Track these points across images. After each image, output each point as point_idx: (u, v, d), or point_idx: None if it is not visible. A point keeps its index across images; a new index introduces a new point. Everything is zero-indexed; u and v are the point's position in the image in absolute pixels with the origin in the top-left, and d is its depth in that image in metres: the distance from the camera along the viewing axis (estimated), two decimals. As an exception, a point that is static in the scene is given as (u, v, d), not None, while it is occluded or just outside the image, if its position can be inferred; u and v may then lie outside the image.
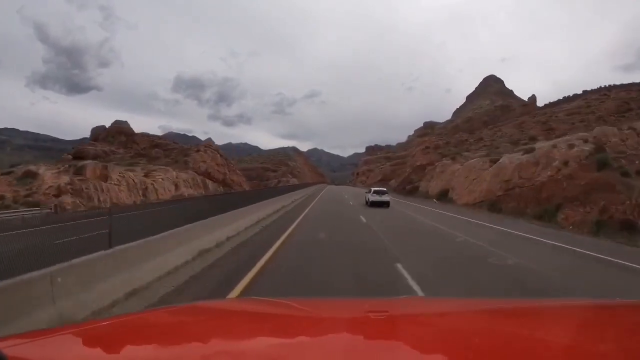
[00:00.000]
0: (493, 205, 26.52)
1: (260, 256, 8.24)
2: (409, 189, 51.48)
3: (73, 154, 59.17)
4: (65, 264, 4.34)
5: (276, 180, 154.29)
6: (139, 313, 1.66)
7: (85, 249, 4.91)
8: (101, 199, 34.91)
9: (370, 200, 27.54)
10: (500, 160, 30.00)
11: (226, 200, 13.69)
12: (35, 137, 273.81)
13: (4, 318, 3.43)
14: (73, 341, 1.02)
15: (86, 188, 34.15)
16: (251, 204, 14.92)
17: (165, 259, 6.54)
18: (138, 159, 61.02)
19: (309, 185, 65.15)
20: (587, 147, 23.16)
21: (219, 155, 67.02)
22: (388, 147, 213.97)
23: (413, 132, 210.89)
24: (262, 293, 5.57)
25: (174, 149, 67.79)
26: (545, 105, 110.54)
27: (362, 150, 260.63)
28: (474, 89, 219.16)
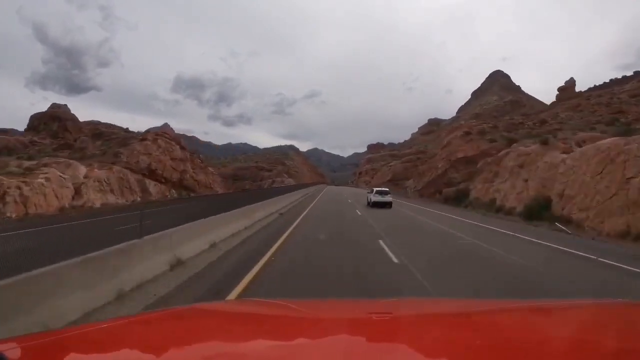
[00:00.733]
0: None
1: None
2: (450, 194, 32.48)
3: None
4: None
5: (270, 180, 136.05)
6: (138, 315, 1.71)
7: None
8: None
9: (372, 200, 25.08)
10: None
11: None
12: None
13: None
14: (73, 343, 1.00)
15: None
16: (206, 217, 9.39)
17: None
18: (62, 151, 42.39)
19: (307, 186, 53.46)
20: None
21: (178, 147, 48.07)
22: (391, 145, 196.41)
23: (417, 130, 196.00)
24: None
25: (116, 138, 48.83)
26: (589, 89, 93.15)
27: (363, 150, 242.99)
28: (479, 85, 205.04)
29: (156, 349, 0.97)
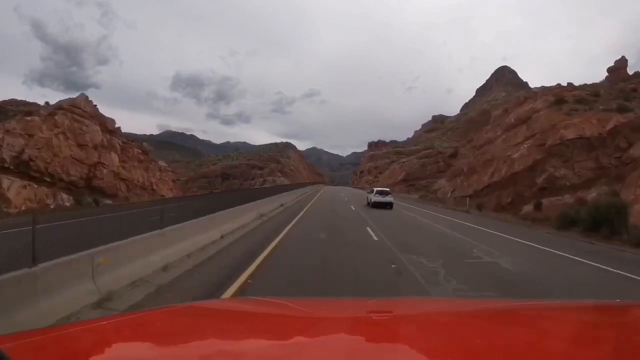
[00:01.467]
0: None
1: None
2: (582, 215, 15.08)
3: None
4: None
5: (262, 179, 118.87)
6: (136, 313, 1.59)
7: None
8: None
9: (372, 200, 23.01)
10: None
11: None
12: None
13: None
14: (71, 341, 0.97)
15: None
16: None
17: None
18: None
19: (300, 187, 42.15)
20: None
21: (98, 128, 30.97)
22: (393, 142, 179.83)
23: (420, 127, 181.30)
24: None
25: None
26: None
27: (362, 149, 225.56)
28: (483, 82, 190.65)
29: (153, 347, 0.95)
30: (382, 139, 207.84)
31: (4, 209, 20.21)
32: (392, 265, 7.18)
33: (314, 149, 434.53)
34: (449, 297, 3.80)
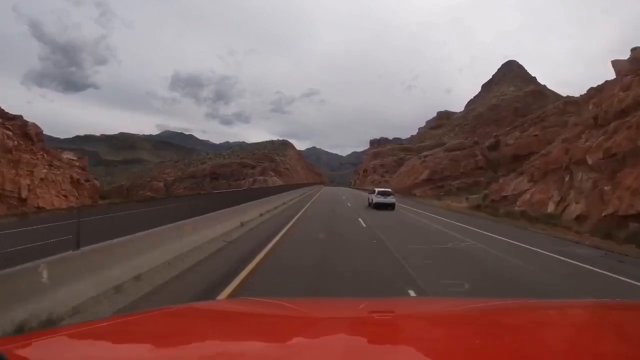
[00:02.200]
0: None
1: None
2: None
3: None
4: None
5: (252, 179, 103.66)
6: (135, 314, 1.57)
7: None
8: None
9: (374, 201, 22.26)
10: None
11: None
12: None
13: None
14: (71, 342, 0.97)
15: None
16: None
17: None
18: None
19: (294, 188, 32.32)
20: None
21: None
22: (396, 140, 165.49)
23: (425, 124, 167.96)
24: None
25: None
26: None
27: (362, 149, 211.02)
28: (490, 77, 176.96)
29: (151, 349, 0.94)
30: (384, 137, 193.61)
31: None
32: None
33: (313, 148, 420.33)
34: (449, 298, 3.63)
